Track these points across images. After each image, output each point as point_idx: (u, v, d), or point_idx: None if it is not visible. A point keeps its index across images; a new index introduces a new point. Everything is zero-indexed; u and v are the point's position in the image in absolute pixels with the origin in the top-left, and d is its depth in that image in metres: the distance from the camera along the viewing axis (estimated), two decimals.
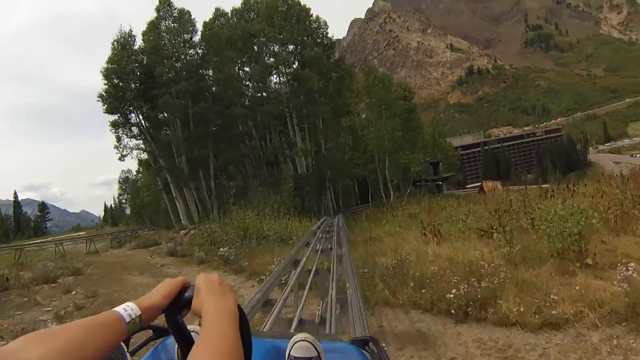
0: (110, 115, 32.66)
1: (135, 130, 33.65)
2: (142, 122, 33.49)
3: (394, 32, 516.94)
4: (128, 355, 1.07)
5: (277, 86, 39.69)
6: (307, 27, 39.19)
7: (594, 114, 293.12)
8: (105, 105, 31.98)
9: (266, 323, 3.61)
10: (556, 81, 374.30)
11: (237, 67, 38.03)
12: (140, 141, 34.50)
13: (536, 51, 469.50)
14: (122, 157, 34.06)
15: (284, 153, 37.10)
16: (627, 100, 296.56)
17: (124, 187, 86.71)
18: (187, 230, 27.92)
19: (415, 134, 45.54)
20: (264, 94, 38.32)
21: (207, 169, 33.52)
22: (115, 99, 31.81)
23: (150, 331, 1.17)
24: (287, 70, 37.41)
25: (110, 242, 37.31)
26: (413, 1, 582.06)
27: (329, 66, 41.41)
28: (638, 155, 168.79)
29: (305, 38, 38.74)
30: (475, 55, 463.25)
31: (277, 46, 37.16)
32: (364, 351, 1.40)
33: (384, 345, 1.54)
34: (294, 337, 1.31)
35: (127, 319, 0.80)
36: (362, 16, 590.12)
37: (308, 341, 1.28)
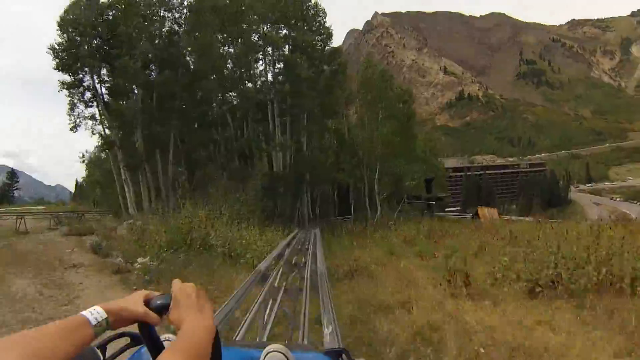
0: (62, 73, 27.46)
1: (88, 95, 28.43)
2: (97, 86, 28.24)
3: (390, 47, 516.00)
4: None
5: (261, 73, 34.96)
6: (303, 11, 34.73)
7: (578, 154, 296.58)
8: (57, 61, 26.77)
9: None
10: (544, 117, 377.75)
11: (219, 45, 33.11)
12: (96, 110, 29.30)
13: (527, 85, 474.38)
14: (74, 127, 28.81)
15: (259, 146, 32.35)
16: (610, 144, 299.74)
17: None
18: (130, 222, 22.87)
19: (412, 145, 40.58)
20: (245, 75, 33.31)
21: (166, 151, 28.33)
22: (68, 55, 26.66)
23: (128, 339, 1.14)
24: (275, 53, 32.69)
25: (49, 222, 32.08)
26: (412, 20, 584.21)
27: (323, 57, 36.98)
28: (618, 199, 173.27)
29: (299, 23, 34.33)
30: (468, 80, 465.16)
31: (267, 26, 32.70)
32: None
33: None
34: (267, 347, 1.29)
35: (94, 322, 0.81)
36: (360, 27, 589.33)
37: (280, 352, 1.26)
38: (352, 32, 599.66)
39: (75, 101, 28.52)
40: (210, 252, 12.88)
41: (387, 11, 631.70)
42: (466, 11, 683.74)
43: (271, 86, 32.44)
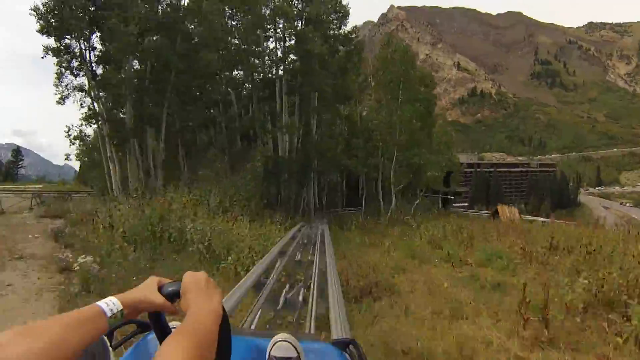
0: (46, 37, 24.44)
1: (76, 63, 25.43)
2: (86, 53, 25.23)
3: (405, 40, 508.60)
4: (110, 349, 1.03)
5: (271, 52, 31.98)
6: None
7: (589, 156, 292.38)
8: (40, 23, 23.77)
9: None
10: (556, 118, 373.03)
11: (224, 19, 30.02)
12: (85, 81, 26.28)
13: (541, 85, 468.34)
14: (61, 100, 25.94)
15: (264, 126, 29.49)
16: (622, 149, 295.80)
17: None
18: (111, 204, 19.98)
19: (431, 134, 36.99)
20: (253, 50, 30.19)
21: (159, 128, 25.36)
22: (54, 16, 23.63)
23: (134, 325, 1.15)
24: (286, 28, 29.66)
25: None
26: (428, 15, 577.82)
27: (337, 37, 33.98)
28: (628, 204, 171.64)
29: None
30: (481, 78, 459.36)
31: None
32: (344, 353, 1.37)
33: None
34: (275, 336, 1.29)
35: (109, 314, 0.81)
36: (375, 20, 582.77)
37: (288, 341, 1.25)
38: (366, 24, 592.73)
39: (63, 70, 25.73)
40: (186, 250, 9.94)
41: (403, 4, 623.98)
42: (482, 9, 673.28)
43: (279, 62, 29.39)
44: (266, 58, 31.38)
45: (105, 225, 11.49)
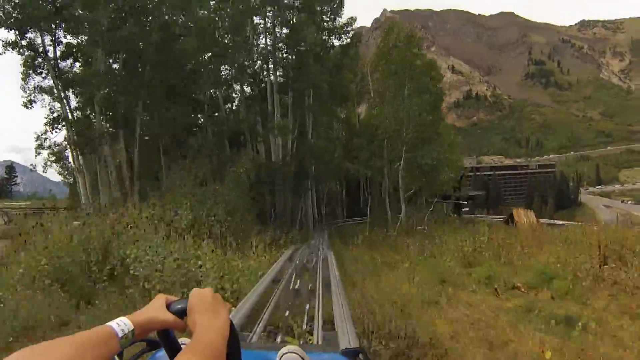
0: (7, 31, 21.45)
1: (40, 60, 22.48)
2: (50, 48, 22.23)
3: None
4: None
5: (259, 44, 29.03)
6: None
7: (587, 155, 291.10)
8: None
9: None
10: (552, 118, 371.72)
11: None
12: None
13: (535, 85, 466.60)
14: (29, 104, 23.08)
15: (254, 129, 26.59)
16: (620, 147, 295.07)
17: None
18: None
19: (440, 133, 32.89)
20: (238, 42, 27.02)
21: (132, 131, 22.31)
22: (14, 7, 20.65)
23: (144, 343, 1.12)
24: (277, 14, 26.72)
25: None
26: (421, 18, 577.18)
27: (332, 29, 31.24)
28: (629, 202, 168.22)
29: None
30: (475, 80, 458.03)
31: None
32: None
33: None
34: (283, 348, 1.26)
35: (120, 334, 0.80)
36: (368, 25, 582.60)
37: (296, 353, 1.24)
38: (360, 29, 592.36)
39: (28, 70, 22.87)
40: (125, 291, 6.89)
41: (396, 8, 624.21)
42: (475, 10, 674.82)
43: (269, 55, 26.50)
44: (255, 52, 28.29)
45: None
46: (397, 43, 26.83)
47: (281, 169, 26.09)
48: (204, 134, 26.30)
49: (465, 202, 36.36)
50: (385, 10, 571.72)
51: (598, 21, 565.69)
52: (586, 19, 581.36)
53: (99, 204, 19.98)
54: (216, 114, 27.54)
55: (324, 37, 29.84)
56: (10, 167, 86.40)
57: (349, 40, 33.14)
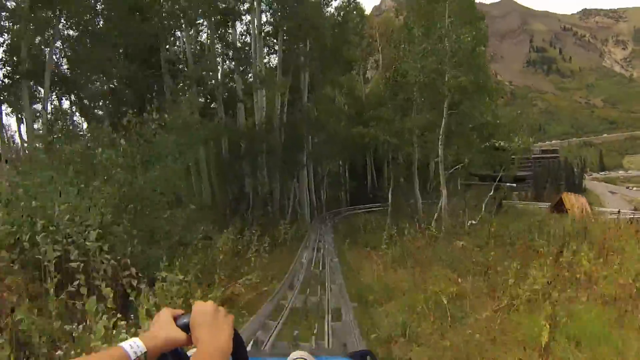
0: None
1: None
2: None
3: None
4: None
5: None
6: None
7: (590, 142, 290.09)
8: None
9: None
10: (555, 104, 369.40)
11: None
12: None
13: (537, 72, 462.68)
14: None
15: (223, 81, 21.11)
16: (623, 133, 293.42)
17: None
18: None
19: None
20: None
21: (40, 78, 16.53)
22: None
23: None
24: None
25: None
26: None
27: None
28: (634, 189, 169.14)
29: None
30: None
31: None
32: None
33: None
34: (291, 355, 1.23)
35: (133, 357, 0.79)
36: (368, 13, 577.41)
37: (304, 359, 1.21)
38: None
39: None
40: None
41: None
42: None
43: None
44: None
45: None
46: None
47: (263, 135, 20.01)
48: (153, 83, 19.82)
49: (515, 185, 30.24)
50: None
51: (600, 10, 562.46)
52: (588, 7, 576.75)
53: None
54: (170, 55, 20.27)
55: None
56: None
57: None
